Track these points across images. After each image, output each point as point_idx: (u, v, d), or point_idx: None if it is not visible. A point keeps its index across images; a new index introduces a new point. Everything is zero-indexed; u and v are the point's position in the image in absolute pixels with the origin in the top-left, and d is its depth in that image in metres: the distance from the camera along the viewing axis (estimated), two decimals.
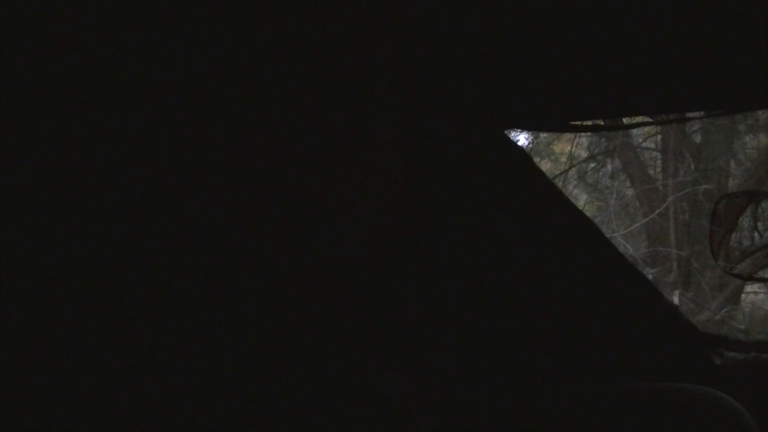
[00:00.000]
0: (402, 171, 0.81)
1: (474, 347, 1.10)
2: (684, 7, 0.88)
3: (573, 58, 0.96)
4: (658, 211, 5.06)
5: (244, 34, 0.69)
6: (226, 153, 0.69)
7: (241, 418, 0.69)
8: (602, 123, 1.79)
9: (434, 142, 0.96)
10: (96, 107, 0.64)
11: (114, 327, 0.65)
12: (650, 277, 4.53)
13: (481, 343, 1.10)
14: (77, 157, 0.63)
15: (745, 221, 1.33)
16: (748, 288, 4.94)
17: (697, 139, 5.37)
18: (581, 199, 5.59)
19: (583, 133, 4.62)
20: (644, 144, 5.58)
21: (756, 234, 1.34)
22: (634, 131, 5.21)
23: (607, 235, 1.46)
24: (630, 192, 5.49)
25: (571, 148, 5.52)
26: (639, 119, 1.36)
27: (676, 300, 4.62)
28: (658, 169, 5.47)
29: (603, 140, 5.41)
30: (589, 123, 1.29)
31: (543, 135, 5.30)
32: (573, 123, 1.19)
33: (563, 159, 5.64)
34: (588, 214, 2.78)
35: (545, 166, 5.53)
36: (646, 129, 5.22)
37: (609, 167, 5.67)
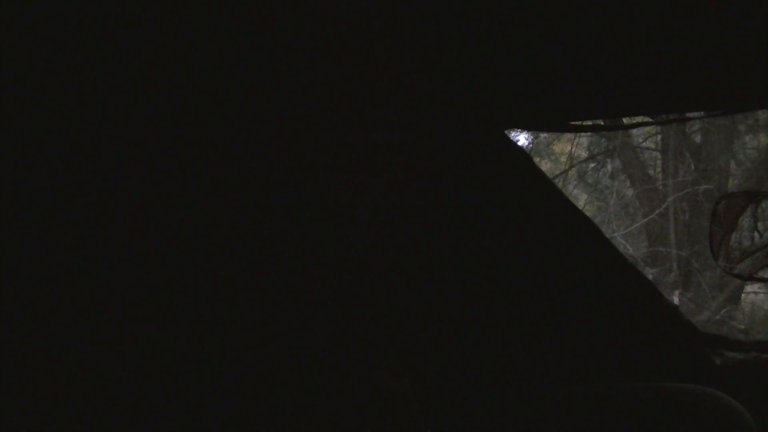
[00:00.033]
0: (402, 171, 0.81)
1: (474, 347, 1.10)
2: (684, 7, 0.88)
3: (573, 58, 0.96)
4: (658, 211, 5.06)
5: (244, 34, 0.69)
6: (227, 153, 0.69)
7: (241, 418, 0.69)
8: (602, 123, 1.79)
9: (434, 142, 0.95)
10: (96, 107, 0.64)
11: (114, 327, 0.65)
12: (650, 277, 4.53)
13: (481, 343, 1.10)
14: (77, 157, 0.63)
15: (745, 221, 1.33)
16: (748, 288, 4.94)
17: (697, 139, 5.36)
18: (581, 199, 5.59)
19: (583, 133, 4.61)
20: (644, 144, 5.58)
21: (756, 234, 1.34)
22: (634, 131, 5.21)
23: (607, 235, 1.46)
24: (630, 192, 5.49)
25: (571, 148, 5.51)
26: (639, 119, 1.36)
27: (676, 300, 4.62)
28: (658, 169, 5.47)
29: (603, 140, 5.41)
30: (589, 123, 1.29)
31: (543, 135, 5.30)
32: (573, 123, 1.19)
33: (563, 159, 5.64)
34: (588, 214, 2.78)
35: (545, 166, 5.53)
36: (646, 129, 5.22)
37: (609, 167, 5.67)
